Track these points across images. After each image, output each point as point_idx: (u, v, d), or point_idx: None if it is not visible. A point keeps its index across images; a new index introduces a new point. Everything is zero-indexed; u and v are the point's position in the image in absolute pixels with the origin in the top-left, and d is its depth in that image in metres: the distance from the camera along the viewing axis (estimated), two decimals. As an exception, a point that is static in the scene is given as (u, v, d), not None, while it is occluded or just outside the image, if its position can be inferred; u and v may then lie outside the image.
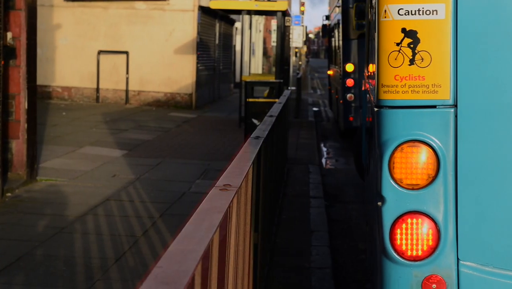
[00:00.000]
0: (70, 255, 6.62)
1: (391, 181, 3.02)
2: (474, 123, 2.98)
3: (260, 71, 41.67)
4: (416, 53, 2.98)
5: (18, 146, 9.49)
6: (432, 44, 2.97)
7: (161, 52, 22.61)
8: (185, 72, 22.74)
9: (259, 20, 40.60)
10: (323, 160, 14.42)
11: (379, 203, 3.07)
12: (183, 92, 22.81)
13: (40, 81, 20.28)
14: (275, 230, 7.72)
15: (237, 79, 31.74)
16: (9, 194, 8.90)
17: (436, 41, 2.97)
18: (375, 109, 3.14)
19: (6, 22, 9.18)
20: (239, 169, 3.66)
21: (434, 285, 3.01)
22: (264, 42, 47.01)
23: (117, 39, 22.67)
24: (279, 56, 19.93)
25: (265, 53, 47.37)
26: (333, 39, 20.45)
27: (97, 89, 22.68)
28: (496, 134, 2.99)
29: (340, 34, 16.47)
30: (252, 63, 37.76)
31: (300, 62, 48.02)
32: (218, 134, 16.47)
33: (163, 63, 22.65)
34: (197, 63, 22.97)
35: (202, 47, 23.83)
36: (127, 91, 22.66)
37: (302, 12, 46.50)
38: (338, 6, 17.20)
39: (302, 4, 47.26)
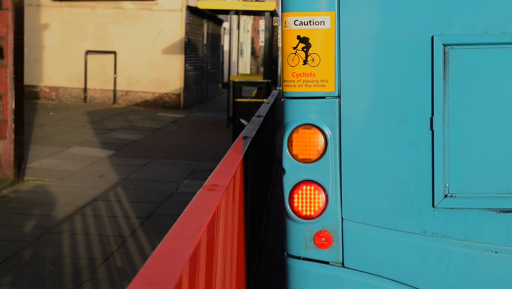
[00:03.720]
0: (57, 255, 6.60)
1: (290, 156, 3.79)
2: (354, 110, 3.71)
3: (248, 71, 41.70)
4: (308, 55, 3.70)
5: (5, 146, 9.45)
6: (321, 48, 3.69)
7: (149, 52, 22.56)
8: (173, 72, 22.71)
9: (247, 20, 40.60)
10: (311, 160, 14.43)
11: (283, 175, 3.84)
12: (171, 92, 22.78)
13: (27, 81, 20.24)
14: (263, 230, 7.73)
15: (225, 79, 31.73)
16: (-4, 195, 8.87)
17: (323, 46, 3.69)
18: (281, 99, 3.88)
19: (-7, 22, 9.14)
20: (227, 169, 3.69)
21: (323, 239, 3.78)
22: (252, 42, 47.03)
23: (105, 39, 22.61)
24: (267, 56, 19.94)
25: (253, 53, 47.40)
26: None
27: (85, 89, 22.61)
28: (371, 119, 3.70)
29: None
30: (240, 63, 37.78)
31: (288, 62, 48.01)
32: (206, 134, 16.46)
33: (151, 63, 22.60)
34: (185, 63, 22.94)
35: (190, 47, 23.80)
36: (115, 91, 22.61)
37: (290, 12, 46.44)
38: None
39: (290, 4, 47.17)
